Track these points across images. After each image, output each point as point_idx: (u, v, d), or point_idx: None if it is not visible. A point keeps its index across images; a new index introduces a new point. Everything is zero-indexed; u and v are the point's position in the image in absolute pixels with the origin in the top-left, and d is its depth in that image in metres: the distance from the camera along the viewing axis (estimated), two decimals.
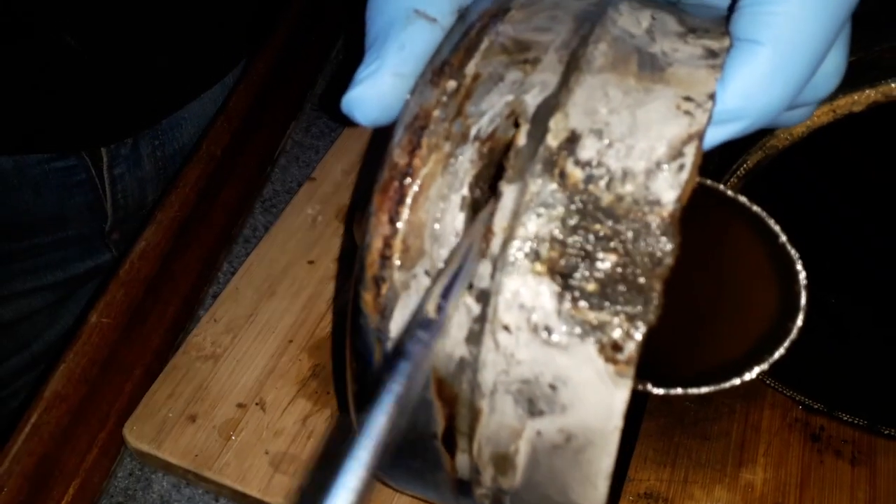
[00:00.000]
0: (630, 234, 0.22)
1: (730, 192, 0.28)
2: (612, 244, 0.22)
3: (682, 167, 0.22)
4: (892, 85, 0.30)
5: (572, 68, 0.24)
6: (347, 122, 0.27)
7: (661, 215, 0.22)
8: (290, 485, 0.40)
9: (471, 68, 0.25)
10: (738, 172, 0.34)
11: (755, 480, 0.40)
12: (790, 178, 0.39)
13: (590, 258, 0.22)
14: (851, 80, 0.28)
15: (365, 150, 0.56)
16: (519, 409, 0.24)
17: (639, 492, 0.40)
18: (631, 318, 0.22)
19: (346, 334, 0.27)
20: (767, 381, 0.43)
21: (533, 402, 0.23)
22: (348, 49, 0.69)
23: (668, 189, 0.22)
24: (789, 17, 0.23)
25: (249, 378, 0.44)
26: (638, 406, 0.44)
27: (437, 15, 0.26)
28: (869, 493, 0.40)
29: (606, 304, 0.22)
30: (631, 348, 0.22)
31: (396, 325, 0.25)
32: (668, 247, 0.22)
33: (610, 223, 0.22)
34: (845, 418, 0.42)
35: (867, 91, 0.31)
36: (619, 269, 0.22)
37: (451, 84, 0.25)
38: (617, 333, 0.22)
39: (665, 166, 0.22)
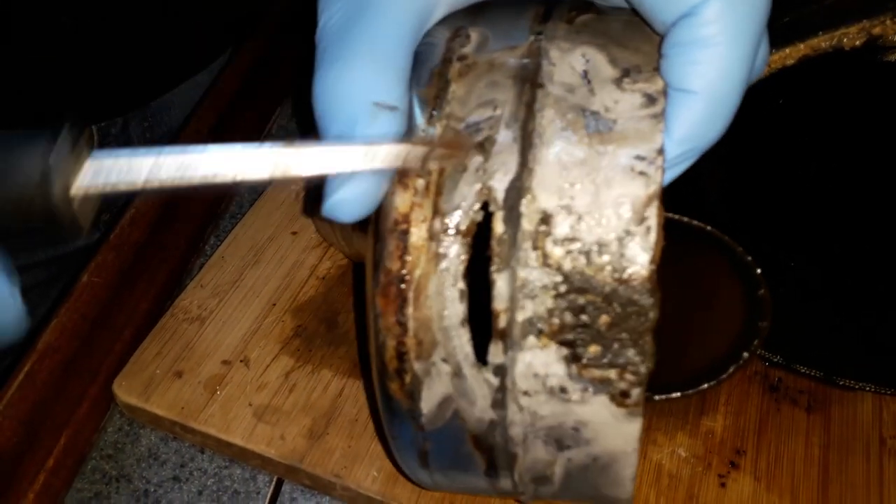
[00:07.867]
0: (616, 298, 0.24)
1: (688, 220, 0.30)
2: (602, 309, 0.25)
3: (648, 230, 0.24)
4: (818, 38, 0.33)
5: (527, 145, 0.25)
6: None
7: (641, 276, 0.24)
8: (272, 433, 0.42)
9: (433, 163, 0.25)
10: None
11: (716, 427, 0.42)
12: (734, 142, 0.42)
13: (586, 325, 0.25)
14: (782, 37, 0.31)
15: None
16: (549, 447, 0.27)
17: None
18: (633, 370, 0.25)
19: (380, 415, 0.29)
20: None
21: (560, 440, 0.27)
22: None
23: (641, 252, 0.24)
24: (714, 65, 0.24)
25: (234, 338, 0.46)
26: None
27: (396, 102, 0.25)
28: (823, 437, 0.42)
29: (609, 360, 0.25)
30: (637, 393, 0.25)
31: (427, 403, 0.27)
32: (651, 301, 0.24)
33: (596, 291, 0.25)
34: (802, 370, 0.44)
35: (798, 45, 0.33)
36: (614, 330, 0.25)
37: (420, 183, 0.25)
38: (623, 385, 0.25)
39: (634, 232, 0.24)
